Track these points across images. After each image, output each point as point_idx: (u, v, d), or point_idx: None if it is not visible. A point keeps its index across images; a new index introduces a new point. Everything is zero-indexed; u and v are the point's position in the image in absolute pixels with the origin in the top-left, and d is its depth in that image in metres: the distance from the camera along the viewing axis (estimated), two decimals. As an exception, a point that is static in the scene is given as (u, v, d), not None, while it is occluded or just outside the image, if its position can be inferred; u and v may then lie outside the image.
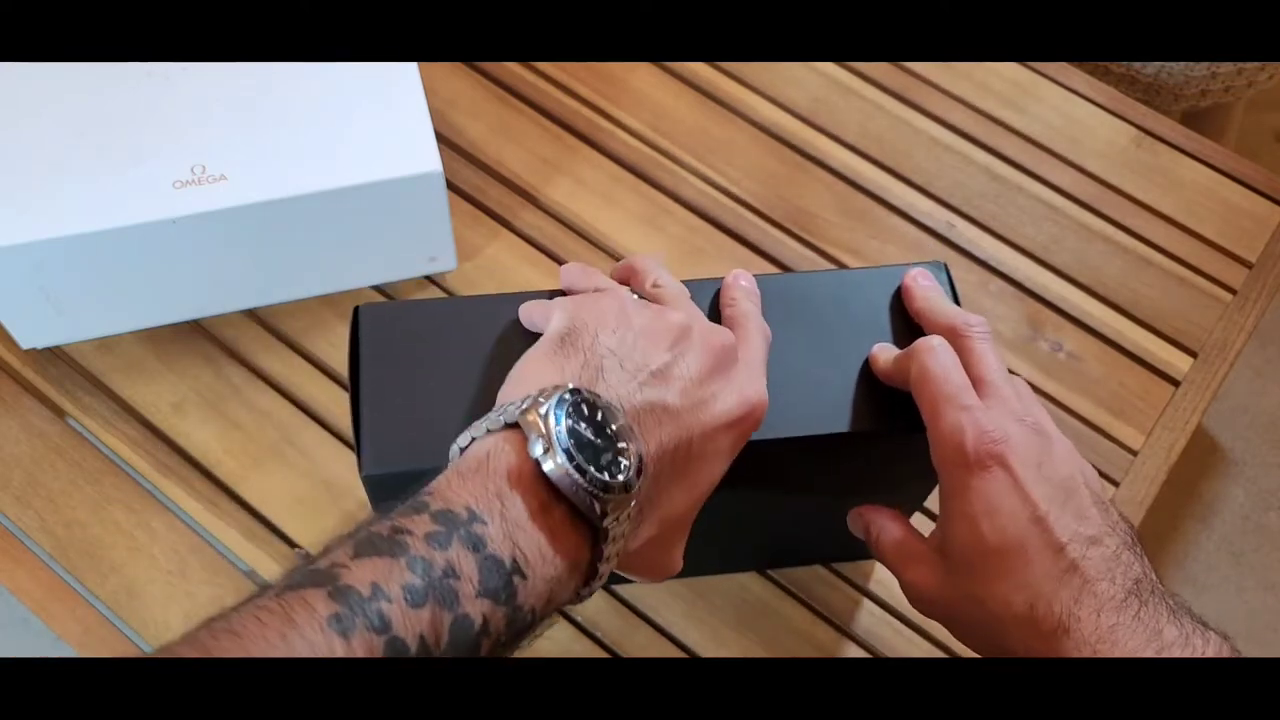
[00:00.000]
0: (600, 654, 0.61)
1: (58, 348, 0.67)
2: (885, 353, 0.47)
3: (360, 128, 0.63)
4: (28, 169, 0.60)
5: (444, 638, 0.31)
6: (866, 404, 0.47)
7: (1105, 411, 0.68)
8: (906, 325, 0.49)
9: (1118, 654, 0.40)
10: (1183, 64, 1.01)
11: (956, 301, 0.50)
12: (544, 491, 0.35)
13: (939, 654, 0.61)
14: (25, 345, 0.66)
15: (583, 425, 0.36)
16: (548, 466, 0.35)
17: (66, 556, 0.62)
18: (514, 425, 0.37)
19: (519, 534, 0.34)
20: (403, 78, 0.65)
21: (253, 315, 0.69)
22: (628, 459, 0.37)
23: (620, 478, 0.36)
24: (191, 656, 0.28)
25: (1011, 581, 0.42)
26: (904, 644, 0.61)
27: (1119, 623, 0.40)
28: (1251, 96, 1.08)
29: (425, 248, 0.68)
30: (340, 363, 0.67)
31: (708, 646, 0.61)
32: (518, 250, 0.71)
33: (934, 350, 0.45)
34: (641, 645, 0.61)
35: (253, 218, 0.61)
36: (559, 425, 0.35)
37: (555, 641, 0.61)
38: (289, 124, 0.63)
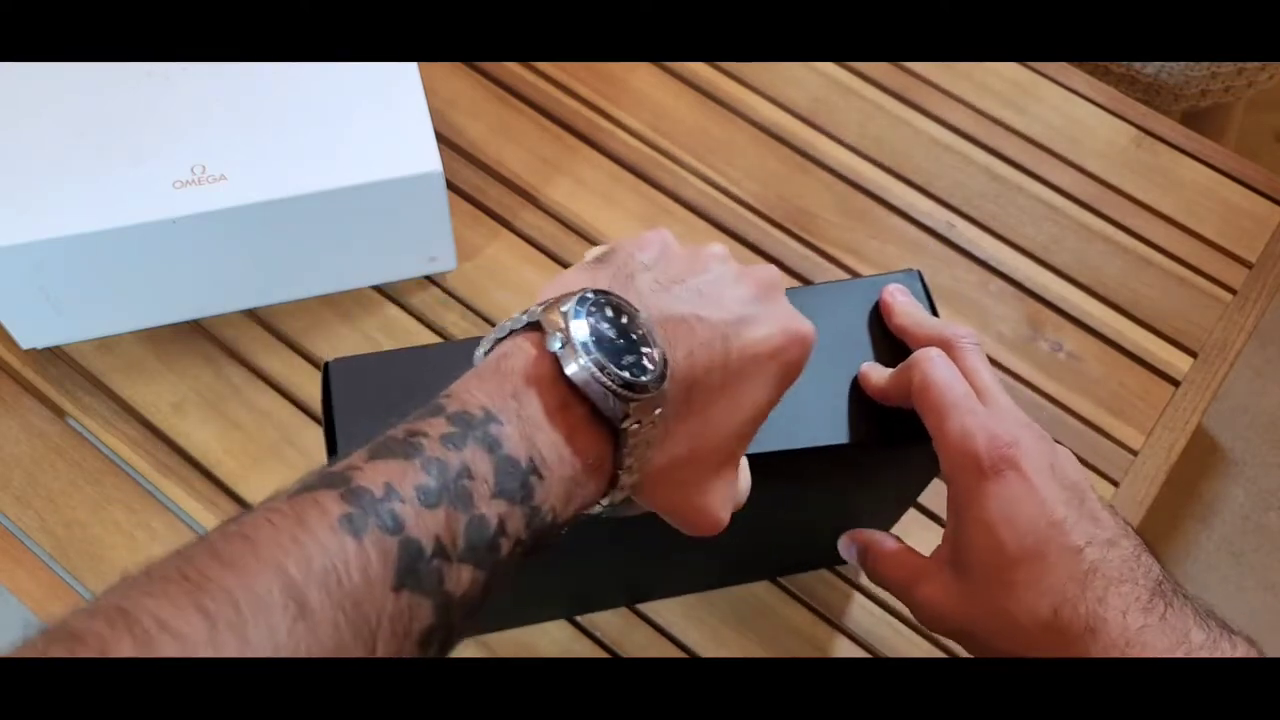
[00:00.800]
0: (600, 654, 0.61)
1: (58, 348, 0.67)
2: (876, 371, 0.47)
3: (360, 128, 0.63)
4: (28, 169, 0.60)
5: (460, 539, 0.31)
6: (861, 416, 0.46)
7: (1105, 411, 0.68)
8: (886, 338, 0.48)
9: (1146, 656, 0.39)
10: (1183, 64, 1.01)
11: (933, 309, 0.49)
12: (563, 389, 0.34)
13: (939, 654, 0.61)
14: (25, 345, 0.67)
15: (605, 325, 0.35)
16: (566, 363, 0.34)
17: (66, 556, 0.62)
18: (536, 325, 0.36)
19: (536, 433, 0.33)
20: (403, 78, 0.65)
21: (253, 315, 0.69)
22: (653, 362, 0.35)
23: (643, 378, 0.35)
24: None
25: (1035, 588, 0.41)
26: (903, 644, 0.61)
27: (1147, 624, 0.40)
28: (1251, 96, 1.08)
29: (425, 248, 0.68)
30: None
31: (708, 646, 0.61)
32: (518, 250, 0.71)
33: (934, 361, 0.44)
34: (641, 645, 0.61)
35: (253, 218, 0.61)
36: (579, 321, 0.35)
37: (555, 641, 0.61)
38: (289, 124, 0.63)
